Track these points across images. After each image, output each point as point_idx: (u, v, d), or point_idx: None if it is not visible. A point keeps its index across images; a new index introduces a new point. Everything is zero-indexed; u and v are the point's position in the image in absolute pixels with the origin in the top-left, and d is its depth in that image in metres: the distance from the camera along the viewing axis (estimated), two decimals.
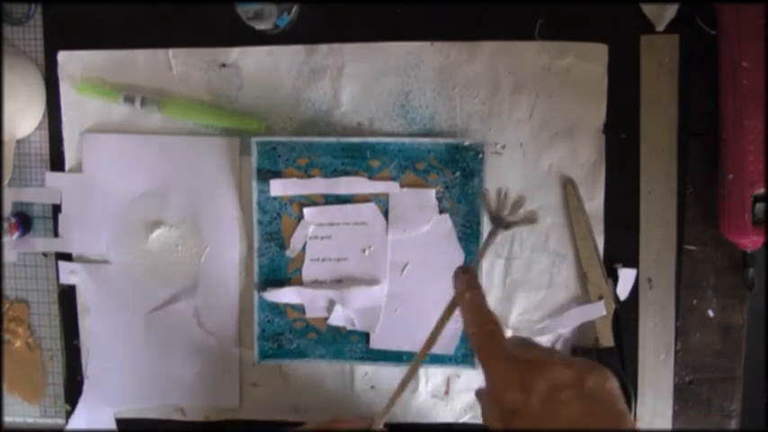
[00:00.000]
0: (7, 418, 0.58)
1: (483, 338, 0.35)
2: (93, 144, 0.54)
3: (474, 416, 0.55)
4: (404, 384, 0.42)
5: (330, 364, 0.55)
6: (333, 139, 0.52)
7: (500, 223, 0.44)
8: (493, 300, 0.53)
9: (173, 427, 0.57)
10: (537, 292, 0.54)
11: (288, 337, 0.54)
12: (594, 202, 0.53)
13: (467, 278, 0.38)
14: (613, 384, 0.32)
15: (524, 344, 0.37)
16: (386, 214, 0.53)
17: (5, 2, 0.54)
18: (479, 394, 0.39)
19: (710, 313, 0.53)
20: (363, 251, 0.53)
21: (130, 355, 0.55)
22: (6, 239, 0.54)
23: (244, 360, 0.55)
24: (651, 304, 0.53)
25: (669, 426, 0.53)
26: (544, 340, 0.54)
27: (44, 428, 0.58)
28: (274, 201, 0.53)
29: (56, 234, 0.55)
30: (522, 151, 0.53)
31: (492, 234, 0.43)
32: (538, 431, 0.31)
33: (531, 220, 0.45)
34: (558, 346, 0.54)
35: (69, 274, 0.55)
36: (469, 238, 0.52)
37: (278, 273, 0.54)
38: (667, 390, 0.53)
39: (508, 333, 0.54)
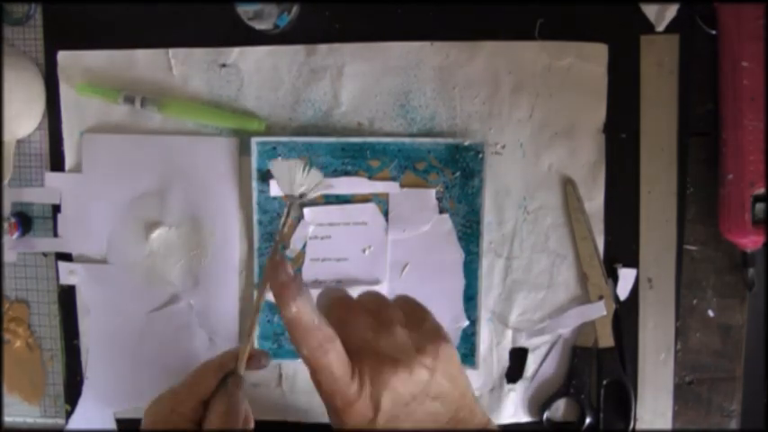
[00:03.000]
0: (7, 418, 0.58)
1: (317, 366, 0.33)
2: (92, 144, 0.54)
3: None
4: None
5: None
6: (333, 139, 0.52)
7: (294, 198, 0.40)
8: (493, 300, 0.54)
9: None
10: (537, 292, 0.54)
11: (288, 336, 0.54)
12: (594, 202, 0.53)
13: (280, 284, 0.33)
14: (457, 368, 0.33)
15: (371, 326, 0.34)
16: (386, 214, 0.53)
17: (5, 2, 0.54)
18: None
19: (710, 313, 0.53)
20: (363, 251, 0.53)
21: (130, 355, 0.55)
22: (6, 239, 0.54)
23: None
24: (651, 304, 0.53)
25: (669, 426, 0.53)
26: (544, 340, 0.54)
27: (44, 428, 0.58)
28: (274, 201, 0.53)
29: (56, 234, 0.55)
30: (522, 151, 0.53)
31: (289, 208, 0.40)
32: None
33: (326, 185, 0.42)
34: (559, 346, 0.54)
35: (69, 274, 0.55)
36: (469, 238, 0.52)
37: None
38: (667, 390, 0.53)
39: (508, 333, 0.54)
